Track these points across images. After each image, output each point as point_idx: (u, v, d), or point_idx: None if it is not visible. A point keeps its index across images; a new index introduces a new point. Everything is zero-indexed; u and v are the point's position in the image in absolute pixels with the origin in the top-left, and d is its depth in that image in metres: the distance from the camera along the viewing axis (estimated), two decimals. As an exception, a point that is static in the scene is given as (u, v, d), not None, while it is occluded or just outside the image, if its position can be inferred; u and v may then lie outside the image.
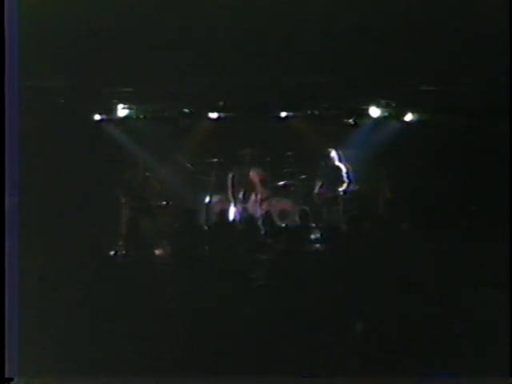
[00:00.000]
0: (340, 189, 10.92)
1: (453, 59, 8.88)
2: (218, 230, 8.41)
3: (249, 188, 11.01)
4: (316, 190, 11.07)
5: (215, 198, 11.20)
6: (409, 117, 11.39)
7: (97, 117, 11.10)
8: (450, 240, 7.21)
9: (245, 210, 10.73)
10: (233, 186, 11.01)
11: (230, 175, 11.03)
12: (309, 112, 11.32)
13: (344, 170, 11.00)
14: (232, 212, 10.78)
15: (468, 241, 7.02)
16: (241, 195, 10.92)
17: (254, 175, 11.02)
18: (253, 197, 10.92)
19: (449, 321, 4.96)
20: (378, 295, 5.50)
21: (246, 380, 4.48)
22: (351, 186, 11.07)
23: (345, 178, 10.98)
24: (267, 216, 9.29)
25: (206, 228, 9.29)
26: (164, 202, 11.21)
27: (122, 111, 11.16)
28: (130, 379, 4.53)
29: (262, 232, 8.57)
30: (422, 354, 4.63)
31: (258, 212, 10.60)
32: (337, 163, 11.02)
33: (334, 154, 11.01)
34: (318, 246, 8.36)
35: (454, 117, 10.33)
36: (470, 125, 10.15)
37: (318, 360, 4.53)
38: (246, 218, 10.18)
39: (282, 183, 11.43)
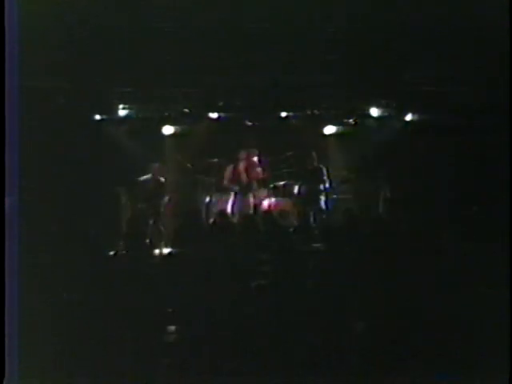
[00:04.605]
0: (320, 189, 10.90)
1: (453, 59, 8.88)
2: (218, 230, 8.40)
3: (246, 183, 11.02)
4: (295, 190, 11.11)
5: (215, 198, 11.21)
6: (409, 117, 11.41)
7: (97, 117, 11.11)
8: (449, 240, 7.22)
9: (239, 202, 10.77)
10: (231, 175, 11.00)
11: (231, 166, 11.03)
12: (309, 112, 11.32)
13: (324, 170, 10.99)
14: (228, 202, 10.81)
15: (468, 241, 7.03)
16: (237, 187, 10.93)
17: (254, 173, 11.03)
18: (249, 195, 10.94)
19: (448, 320, 4.96)
20: (377, 295, 5.50)
21: (246, 380, 4.48)
22: (331, 186, 11.07)
23: (325, 178, 10.97)
24: (267, 216, 9.28)
25: (206, 228, 9.29)
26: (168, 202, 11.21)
27: (122, 111, 11.17)
28: (129, 380, 4.53)
29: (262, 232, 8.54)
30: (421, 353, 4.63)
31: (251, 210, 10.64)
32: (315, 164, 10.99)
33: (314, 155, 10.99)
34: (317, 245, 8.35)
35: (454, 117, 10.33)
36: (470, 125, 10.15)
37: (317, 360, 4.52)
38: (239, 210, 10.29)
39: (281, 183, 11.44)
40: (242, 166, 11.07)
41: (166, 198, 10.68)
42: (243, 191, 11.00)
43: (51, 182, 9.54)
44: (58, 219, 9.01)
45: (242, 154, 11.08)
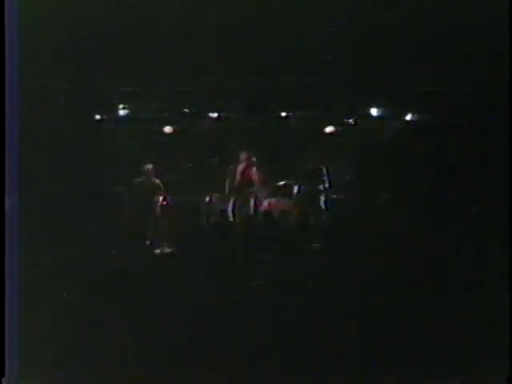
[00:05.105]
0: (320, 189, 10.90)
1: (453, 59, 8.88)
2: (219, 230, 8.41)
3: (246, 184, 11.00)
4: (295, 190, 11.11)
5: (215, 198, 11.20)
6: (409, 117, 11.41)
7: (97, 117, 11.11)
8: (449, 240, 7.22)
9: (239, 202, 10.75)
10: (231, 176, 11.00)
11: (231, 167, 11.03)
12: (309, 112, 11.33)
13: (324, 170, 10.98)
14: (228, 203, 10.80)
15: (468, 241, 7.03)
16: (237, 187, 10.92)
17: (253, 173, 11.02)
18: (249, 195, 10.91)
19: (448, 320, 4.96)
20: (377, 295, 5.50)
21: (246, 380, 4.47)
22: (331, 186, 11.07)
23: (325, 178, 10.96)
24: (267, 216, 9.29)
25: (206, 228, 9.30)
26: (164, 202, 11.19)
27: (122, 111, 11.16)
28: (129, 379, 4.53)
29: (262, 232, 8.56)
30: (421, 353, 4.62)
31: (252, 210, 10.61)
32: (315, 164, 11.00)
33: (314, 155, 11.00)
34: (317, 245, 8.36)
35: (454, 117, 10.32)
36: (470, 125, 10.14)
37: (317, 360, 4.52)
38: (239, 211, 10.29)
39: (281, 183, 11.43)
40: (241, 166, 11.07)
41: (161, 199, 10.69)
42: (243, 191, 10.99)
43: (51, 182, 9.54)
44: (58, 219, 9.00)
45: (243, 155, 11.07)
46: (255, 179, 10.99)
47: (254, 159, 11.09)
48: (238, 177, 11.05)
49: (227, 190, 11.01)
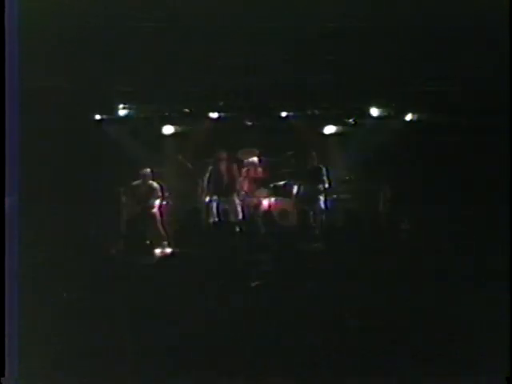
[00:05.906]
0: (320, 189, 10.90)
1: (453, 59, 8.88)
2: (218, 230, 8.42)
3: (230, 182, 10.89)
4: (295, 190, 11.10)
5: (215, 198, 11.20)
6: (409, 117, 11.43)
7: (97, 117, 11.12)
8: (449, 240, 7.22)
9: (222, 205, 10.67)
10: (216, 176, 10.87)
11: (211, 167, 10.90)
12: (309, 112, 11.34)
13: (324, 170, 10.97)
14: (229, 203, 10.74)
15: (468, 241, 7.03)
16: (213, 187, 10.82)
17: (235, 171, 10.95)
18: (234, 195, 10.81)
19: (448, 320, 4.96)
20: (377, 295, 5.50)
21: (245, 380, 4.48)
22: (331, 186, 11.08)
23: (324, 178, 10.95)
24: (267, 216, 9.30)
25: (206, 228, 9.31)
26: (164, 202, 11.21)
27: (122, 111, 11.18)
28: (129, 380, 4.53)
29: (262, 232, 8.56)
30: (421, 353, 4.63)
31: (239, 213, 10.52)
32: (315, 164, 11.01)
33: (314, 155, 11.00)
34: (317, 245, 8.35)
35: (454, 117, 10.33)
36: (470, 125, 10.15)
37: (317, 360, 4.52)
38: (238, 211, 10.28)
39: (281, 183, 11.45)
40: (223, 166, 10.96)
41: (157, 202, 10.71)
42: (229, 192, 10.91)
43: (51, 182, 9.55)
44: (58, 219, 9.01)
45: (222, 154, 10.93)
46: (238, 177, 10.94)
47: (255, 158, 11.11)
48: (223, 176, 11.00)
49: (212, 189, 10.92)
